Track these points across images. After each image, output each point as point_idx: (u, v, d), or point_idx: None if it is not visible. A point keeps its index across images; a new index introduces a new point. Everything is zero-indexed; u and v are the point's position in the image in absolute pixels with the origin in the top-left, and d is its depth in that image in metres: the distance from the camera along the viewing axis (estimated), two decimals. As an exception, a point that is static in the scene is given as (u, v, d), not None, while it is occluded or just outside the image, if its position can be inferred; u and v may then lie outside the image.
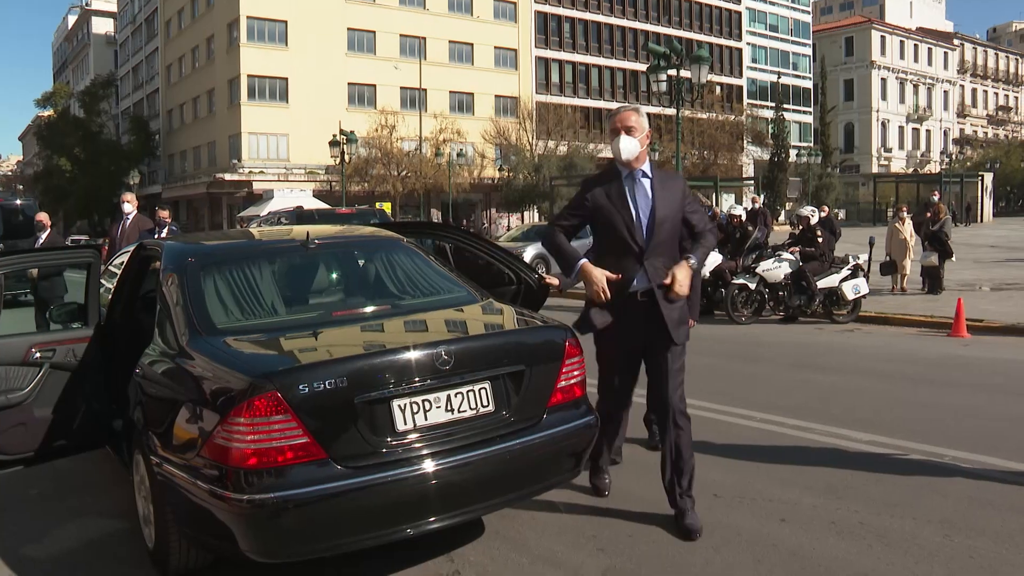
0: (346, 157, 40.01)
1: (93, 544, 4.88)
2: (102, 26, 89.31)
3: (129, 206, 11.82)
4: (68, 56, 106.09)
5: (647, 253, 4.55)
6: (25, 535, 5.02)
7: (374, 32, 57.83)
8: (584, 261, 4.60)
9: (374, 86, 57.68)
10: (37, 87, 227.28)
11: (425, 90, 58.02)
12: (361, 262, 5.35)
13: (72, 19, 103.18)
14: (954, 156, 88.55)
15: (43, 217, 12.79)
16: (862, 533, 4.62)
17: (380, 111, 52.26)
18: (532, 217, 54.13)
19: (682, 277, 4.50)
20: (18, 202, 21.20)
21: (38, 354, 5.00)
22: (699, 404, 7.26)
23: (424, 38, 59.83)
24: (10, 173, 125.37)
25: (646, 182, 4.63)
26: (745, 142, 66.37)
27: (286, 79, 54.71)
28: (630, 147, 4.54)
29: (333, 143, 38.47)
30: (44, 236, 12.33)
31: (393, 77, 57.77)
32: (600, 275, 4.54)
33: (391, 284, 5.06)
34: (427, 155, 52.30)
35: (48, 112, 76.59)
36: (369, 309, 4.71)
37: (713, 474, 5.62)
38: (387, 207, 38.40)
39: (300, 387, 3.56)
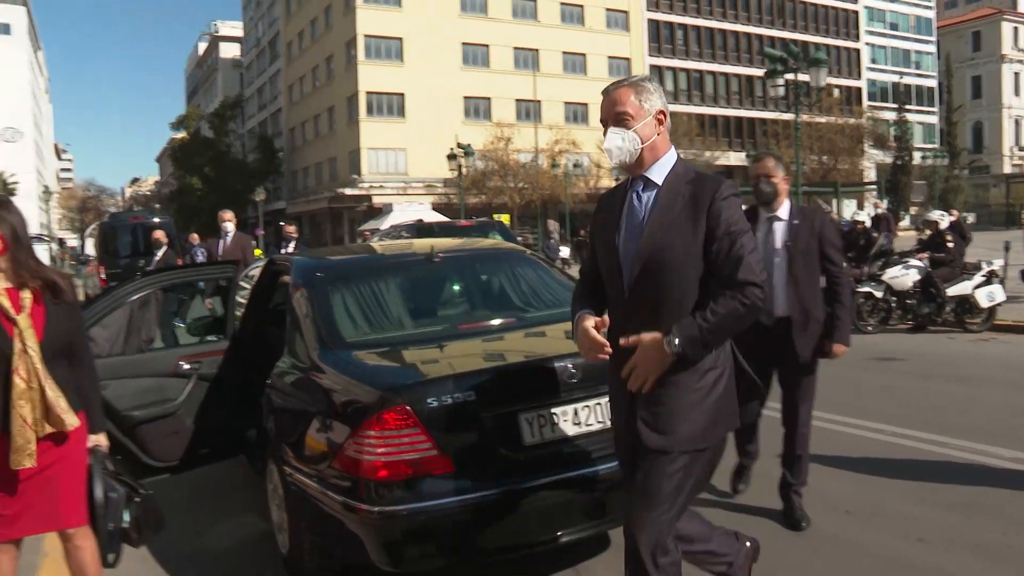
0: (463, 170, 40.54)
1: (229, 549, 5.05)
2: (229, 51, 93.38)
3: (229, 224, 12.12)
4: (199, 81, 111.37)
5: (629, 298, 3.05)
6: (172, 536, 5.22)
7: (487, 46, 58.44)
8: (580, 313, 3.20)
9: (489, 99, 58.27)
10: (172, 111, 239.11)
11: (539, 102, 58.35)
12: (484, 275, 5.40)
13: (202, 46, 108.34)
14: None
15: (159, 235, 13.38)
16: (1008, 555, 4.39)
17: (495, 124, 52.84)
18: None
19: (641, 355, 2.93)
20: (155, 219, 22.19)
21: (186, 366, 5.25)
22: (827, 416, 7.06)
23: (537, 50, 60.15)
24: (148, 193, 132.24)
25: (647, 195, 3.08)
26: (866, 145, 64.28)
27: (403, 95, 55.80)
28: (616, 143, 3.06)
29: (450, 156, 39.05)
30: (160, 253, 12.86)
31: (508, 90, 58.26)
32: (584, 331, 3.12)
33: (515, 296, 5.09)
34: (543, 166, 52.56)
35: (181, 134, 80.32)
36: (494, 322, 4.74)
37: (844, 489, 5.45)
38: (505, 219, 38.67)
39: (429, 401, 3.61)
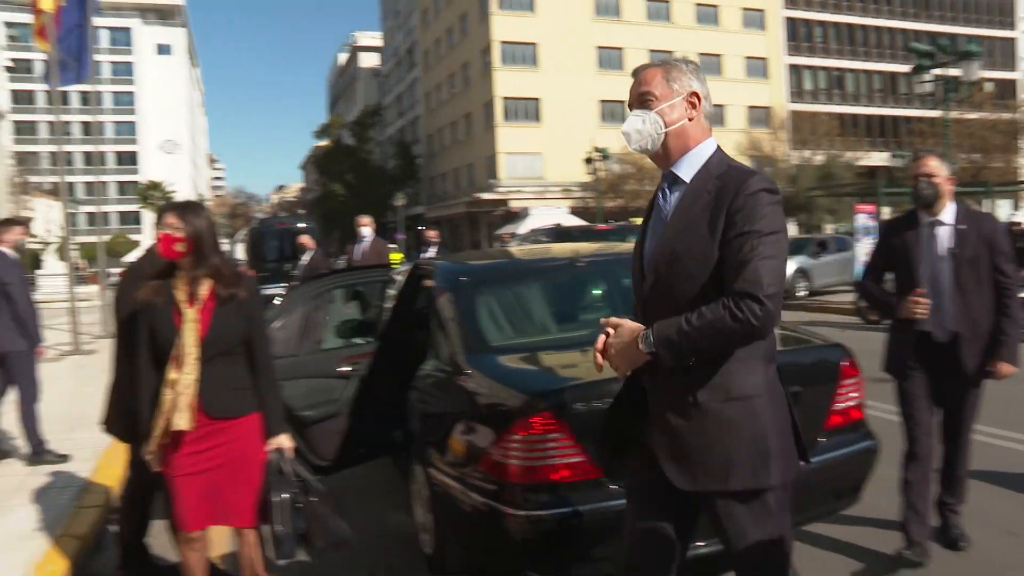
0: (600, 173, 40.43)
1: (373, 547, 5.14)
2: (369, 61, 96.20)
3: (367, 229, 12.27)
4: (340, 90, 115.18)
5: (646, 302, 2.71)
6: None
7: (622, 49, 58.10)
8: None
9: (624, 102, 57.78)
10: (315, 120, 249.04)
11: (675, 104, 57.62)
12: (627, 279, 5.34)
13: (343, 57, 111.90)
14: None
15: (306, 240, 13.77)
16: None
17: (631, 127, 52.43)
18: (791, 230, 52.28)
19: (616, 341, 2.60)
20: (300, 225, 22.96)
21: (348, 368, 5.41)
22: (988, 431, 6.68)
23: (672, 52, 59.45)
24: (293, 199, 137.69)
25: (673, 194, 2.70)
26: (1022, 142, 60.74)
27: (539, 100, 56.10)
28: (635, 125, 2.71)
29: (587, 160, 38.97)
30: (307, 257, 13.26)
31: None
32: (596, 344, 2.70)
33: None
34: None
35: (324, 142, 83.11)
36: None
37: (1006, 508, 5.14)
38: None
39: (575, 406, 3.58)
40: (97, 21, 17.66)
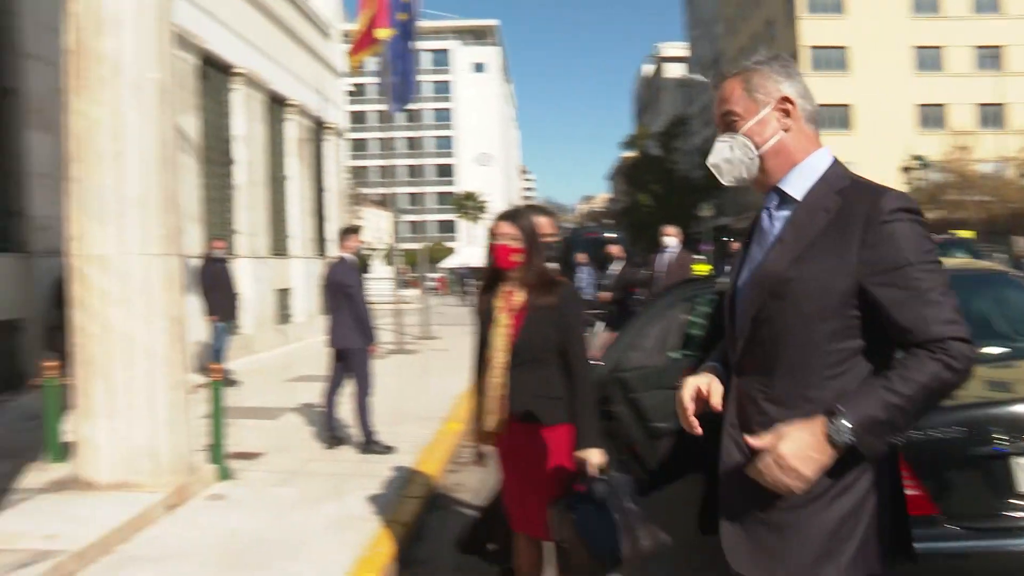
0: (918, 183, 37.77)
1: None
2: (673, 71, 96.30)
3: (672, 240, 11.71)
4: (645, 101, 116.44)
5: (739, 356, 2.17)
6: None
7: (941, 48, 53.89)
8: (706, 366, 2.37)
9: (944, 105, 53.70)
10: (620, 131, 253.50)
11: (1005, 105, 52.54)
12: (965, 298, 4.90)
13: (648, 68, 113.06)
14: None
15: (615, 249, 13.86)
16: None
17: (952, 131, 48.46)
18: None
19: (784, 457, 1.89)
20: (610, 235, 23.18)
21: None
22: None
23: (1000, 47, 54.24)
24: (600, 209, 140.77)
25: (781, 214, 2.17)
26: None
27: (849, 106, 53.36)
28: (723, 155, 2.21)
29: (904, 169, 36.58)
30: (616, 267, 13.33)
31: (966, 94, 53.22)
32: (679, 400, 2.27)
33: (1003, 323, 4.56)
34: (1010, 176, 47.18)
35: (631, 153, 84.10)
36: (981, 351, 4.28)
37: None
38: (969, 235, 35.30)
39: (913, 435, 3.33)
40: (419, 44, 19.04)
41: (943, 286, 1.92)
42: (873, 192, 2.03)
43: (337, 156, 22.69)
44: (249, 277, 15.40)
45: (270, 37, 17.57)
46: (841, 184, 2.09)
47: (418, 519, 5.89)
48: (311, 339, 17.08)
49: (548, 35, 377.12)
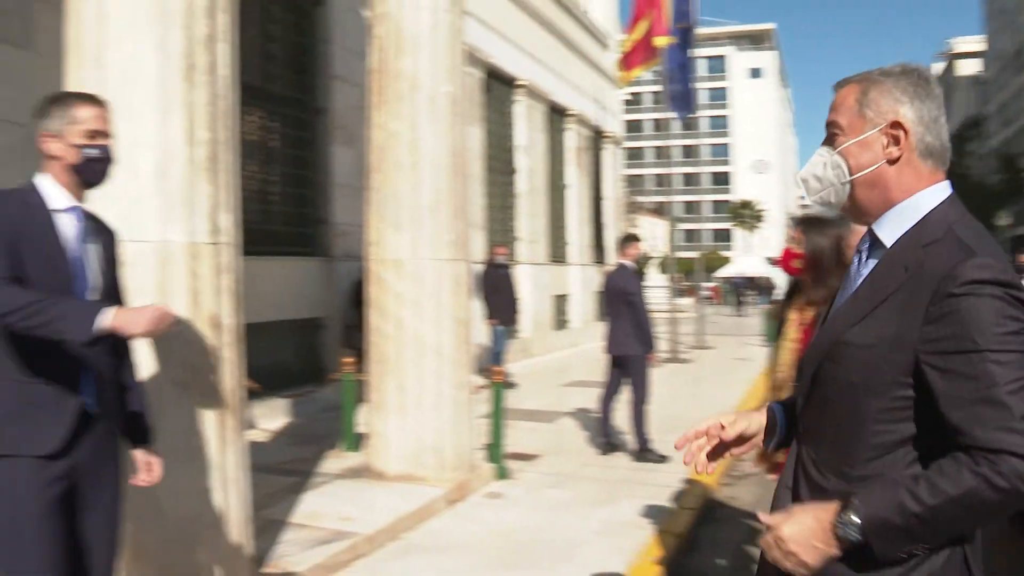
0: None
1: None
2: (966, 68, 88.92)
3: None
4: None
5: (800, 412, 1.91)
6: None
7: None
8: (768, 407, 2.11)
9: None
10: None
11: None
12: None
13: (936, 66, 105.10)
14: None
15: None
16: None
17: None
18: None
19: (792, 531, 1.66)
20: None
21: None
22: None
23: None
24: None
25: (871, 261, 1.80)
26: None
27: None
28: (815, 170, 1.87)
29: None
30: None
31: None
32: (703, 423, 2.04)
33: None
34: None
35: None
36: None
37: None
38: None
39: None
40: (696, 51, 18.92)
41: (1017, 384, 1.50)
42: (957, 252, 1.60)
43: (614, 164, 22.93)
44: (528, 282, 15.86)
45: (550, 49, 18.06)
46: (934, 236, 1.67)
47: (691, 530, 5.80)
48: (586, 344, 17.36)
49: (826, 37, 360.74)
